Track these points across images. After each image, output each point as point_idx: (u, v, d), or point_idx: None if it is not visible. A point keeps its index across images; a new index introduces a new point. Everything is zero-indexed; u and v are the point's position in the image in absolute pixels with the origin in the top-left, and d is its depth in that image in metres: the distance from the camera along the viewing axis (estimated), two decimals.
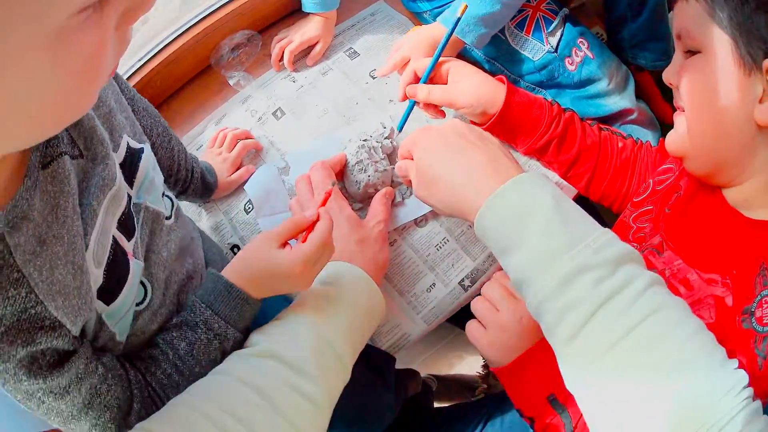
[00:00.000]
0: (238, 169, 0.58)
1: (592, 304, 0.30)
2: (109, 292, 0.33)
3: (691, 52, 0.38)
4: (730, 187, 0.40)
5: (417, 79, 0.52)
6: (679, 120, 0.40)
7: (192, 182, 0.54)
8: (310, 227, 0.39)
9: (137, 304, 0.36)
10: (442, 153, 0.40)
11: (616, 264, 0.31)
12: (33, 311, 0.28)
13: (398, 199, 0.55)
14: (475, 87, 0.49)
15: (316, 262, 0.38)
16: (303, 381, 0.34)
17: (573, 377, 0.32)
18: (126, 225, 0.35)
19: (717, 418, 0.27)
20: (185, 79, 0.69)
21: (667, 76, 0.41)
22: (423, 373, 0.70)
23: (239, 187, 0.59)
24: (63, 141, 0.31)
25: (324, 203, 0.40)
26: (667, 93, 0.76)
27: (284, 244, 0.38)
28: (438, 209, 0.42)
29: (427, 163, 0.40)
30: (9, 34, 0.17)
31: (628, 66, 0.66)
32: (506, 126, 0.51)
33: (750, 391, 0.28)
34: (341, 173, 0.54)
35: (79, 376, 0.32)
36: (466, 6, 0.47)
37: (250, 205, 0.58)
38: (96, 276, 0.32)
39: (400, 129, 0.54)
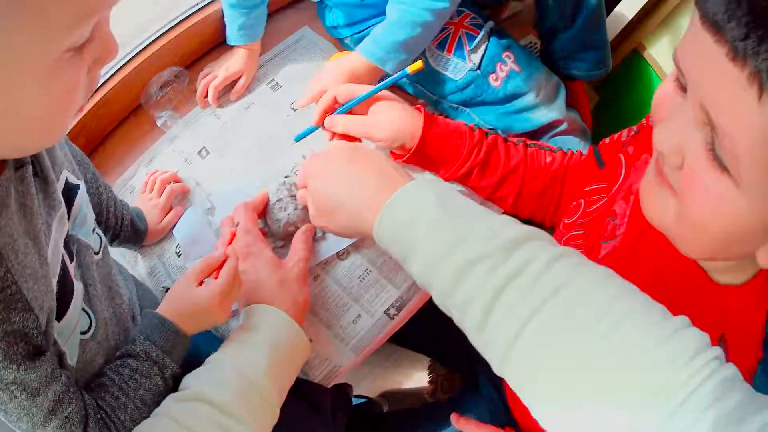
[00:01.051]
0: (167, 213, 0.59)
1: (487, 294, 0.28)
2: (60, 305, 0.35)
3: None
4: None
5: (334, 105, 0.51)
6: (670, 202, 0.29)
7: (122, 229, 0.55)
8: (221, 265, 0.43)
9: (82, 333, 0.39)
10: (331, 182, 0.40)
11: (510, 249, 0.29)
12: (9, 291, 0.30)
13: (319, 234, 0.55)
14: (392, 121, 0.48)
15: (228, 294, 0.43)
16: (232, 422, 0.37)
17: (495, 368, 0.30)
18: (68, 248, 0.38)
19: (665, 405, 0.22)
20: (118, 120, 0.69)
21: (659, 139, 0.29)
22: (372, 395, 0.72)
23: (170, 231, 0.60)
24: (27, 157, 0.34)
25: (230, 243, 0.46)
26: (600, 108, 0.74)
27: (201, 283, 0.43)
28: (339, 234, 0.42)
29: (321, 194, 0.41)
30: (23, 51, 0.23)
31: (562, 75, 0.65)
32: (425, 158, 0.50)
33: (714, 352, 0.24)
34: (263, 212, 0.55)
35: (47, 378, 0.33)
36: (423, 64, 0.46)
37: (181, 249, 0.59)
38: (53, 283, 0.35)
39: (297, 141, 0.54)
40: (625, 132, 0.47)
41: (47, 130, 0.28)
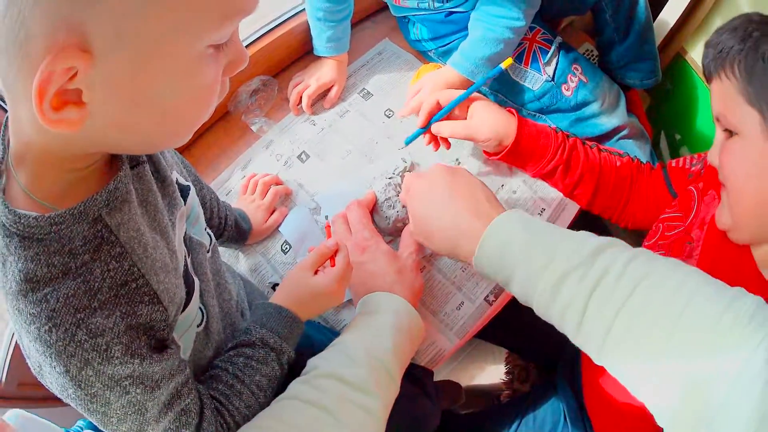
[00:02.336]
0: (271, 214, 0.63)
1: (582, 298, 0.33)
2: (185, 298, 0.36)
3: (729, 132, 0.39)
4: (762, 245, 0.40)
5: (438, 108, 0.56)
6: (723, 195, 0.41)
7: (226, 229, 0.58)
8: (333, 255, 0.47)
9: (197, 326, 0.39)
10: (430, 206, 0.46)
11: (593, 257, 0.34)
12: (134, 284, 0.30)
13: None
14: (491, 123, 0.54)
15: (345, 279, 0.46)
16: (364, 397, 0.39)
17: (595, 358, 0.35)
18: (186, 245, 0.39)
19: (738, 354, 0.26)
20: (205, 126, 0.72)
21: (711, 158, 0.42)
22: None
23: (274, 230, 0.63)
24: (142, 156, 0.35)
25: (329, 236, 0.51)
26: (652, 112, 0.82)
27: (316, 272, 0.47)
28: (437, 253, 0.48)
29: (419, 216, 0.47)
30: (175, 39, 0.24)
31: (618, 83, 0.72)
32: (518, 155, 0.56)
33: None
34: (372, 210, 0.59)
35: (172, 371, 0.33)
36: (511, 60, 0.51)
37: (287, 246, 0.63)
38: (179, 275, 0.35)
39: (407, 144, 0.59)
40: (688, 159, 0.56)
41: (181, 126, 0.28)
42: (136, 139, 0.28)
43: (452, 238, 0.43)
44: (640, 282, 0.32)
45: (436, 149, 0.60)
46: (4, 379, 0.68)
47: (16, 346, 0.66)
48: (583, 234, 0.37)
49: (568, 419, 0.60)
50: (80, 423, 0.77)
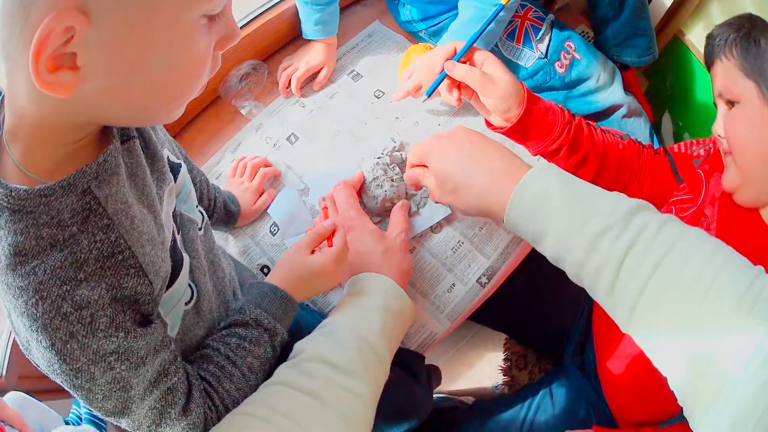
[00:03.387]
0: (260, 195, 0.62)
1: (616, 258, 0.33)
2: (170, 274, 0.35)
3: (731, 104, 0.45)
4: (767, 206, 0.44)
5: (454, 53, 0.53)
6: (728, 161, 0.46)
7: (215, 211, 0.57)
8: (330, 235, 0.47)
9: (185, 303, 0.39)
10: (458, 161, 0.43)
11: (627, 218, 0.34)
12: (120, 257, 0.30)
13: (414, 209, 0.59)
14: (507, 83, 0.51)
15: (341, 259, 0.46)
16: (352, 381, 0.38)
17: (623, 325, 0.35)
18: (175, 221, 0.39)
19: (757, 329, 0.27)
20: (196, 111, 0.72)
21: (715, 129, 0.47)
22: (445, 374, 0.75)
23: (263, 212, 0.63)
24: (133, 131, 0.35)
25: (325, 217, 0.51)
26: (650, 92, 0.80)
27: (313, 251, 0.46)
28: (464, 212, 0.45)
29: (446, 173, 0.44)
30: (170, 5, 0.24)
31: (615, 63, 0.71)
32: (523, 131, 0.54)
33: None
34: (359, 190, 0.58)
35: (157, 346, 0.32)
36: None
37: (275, 228, 0.62)
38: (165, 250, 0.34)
39: (429, 95, 0.56)
40: (689, 144, 0.56)
41: (173, 98, 0.28)
42: (127, 109, 0.28)
43: (483, 195, 0.41)
44: (674, 245, 0.32)
45: (459, 102, 0.56)
46: (4, 372, 0.68)
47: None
48: (617, 194, 0.37)
49: (586, 403, 0.59)
50: (75, 410, 0.77)
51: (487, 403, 0.67)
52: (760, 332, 0.27)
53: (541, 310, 0.68)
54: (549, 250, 0.38)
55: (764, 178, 0.43)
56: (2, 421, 0.61)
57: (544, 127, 0.53)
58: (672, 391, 0.32)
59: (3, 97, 0.29)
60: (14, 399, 0.67)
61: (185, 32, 0.26)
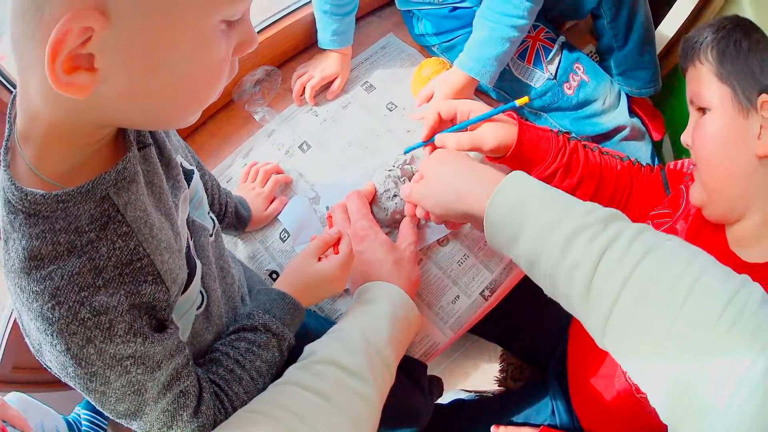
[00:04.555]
0: (271, 202, 0.63)
1: (591, 259, 0.33)
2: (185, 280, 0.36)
3: (702, 111, 0.42)
4: (735, 223, 0.42)
5: (440, 119, 0.55)
6: (696, 174, 0.44)
7: (226, 215, 0.58)
8: (337, 242, 0.48)
9: (197, 308, 0.39)
10: (446, 172, 0.47)
11: (605, 222, 0.35)
12: (139, 264, 0.30)
13: (422, 222, 0.60)
14: (495, 135, 0.53)
15: (347, 266, 0.47)
16: (361, 384, 0.39)
17: (597, 334, 0.34)
18: (188, 228, 0.39)
19: (743, 342, 0.26)
20: (208, 114, 0.73)
21: (684, 138, 0.45)
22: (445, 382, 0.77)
23: (273, 219, 0.64)
24: (148, 138, 0.34)
25: (330, 225, 0.54)
26: (655, 117, 0.82)
27: (319, 259, 0.47)
28: (454, 218, 0.48)
29: (435, 182, 0.48)
30: (191, 9, 0.24)
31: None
32: (520, 159, 0.55)
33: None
34: (371, 201, 0.60)
35: (172, 351, 0.32)
36: (528, 99, 0.51)
37: (285, 234, 0.63)
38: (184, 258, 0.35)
39: (406, 153, 0.59)
40: (687, 162, 0.56)
41: (190, 102, 0.28)
42: (144, 113, 0.28)
43: (465, 194, 0.44)
44: (649, 253, 0.32)
45: None
46: None
47: (12, 329, 0.67)
48: (593, 203, 0.38)
49: (556, 414, 0.60)
50: (78, 410, 0.77)
51: (467, 407, 0.69)
52: (743, 358, 0.26)
53: (538, 325, 0.70)
54: (523, 253, 0.38)
55: (729, 196, 0.40)
56: (4, 421, 0.61)
57: (539, 154, 0.55)
58: (637, 412, 0.31)
59: (14, 96, 0.29)
60: (16, 399, 0.67)
61: (205, 37, 0.25)
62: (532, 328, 0.71)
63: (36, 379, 0.74)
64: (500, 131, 0.53)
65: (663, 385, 0.29)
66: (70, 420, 0.75)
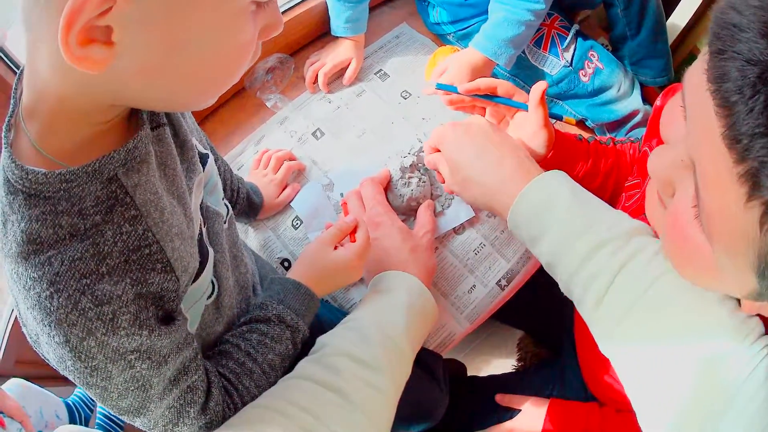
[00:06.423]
0: (284, 189, 0.62)
1: (610, 272, 0.33)
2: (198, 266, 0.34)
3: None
4: None
5: (489, 90, 0.51)
6: (662, 218, 0.30)
7: (238, 202, 0.57)
8: (353, 231, 0.47)
9: (207, 298, 0.37)
10: (470, 154, 0.43)
11: (628, 236, 0.34)
12: (147, 250, 0.28)
13: (438, 209, 0.59)
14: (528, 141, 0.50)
15: (364, 255, 0.46)
16: (377, 376, 0.37)
17: (604, 340, 0.35)
18: (202, 213, 0.38)
19: (738, 372, 0.27)
20: (220, 101, 0.72)
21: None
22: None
23: (285, 206, 0.62)
24: (162, 117, 0.32)
25: (345, 213, 0.52)
26: None
27: (336, 247, 0.46)
28: (470, 204, 0.47)
29: (457, 163, 0.44)
30: None
31: None
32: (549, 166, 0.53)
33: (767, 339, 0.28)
34: (385, 188, 0.59)
35: (180, 345, 0.30)
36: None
37: (298, 221, 0.62)
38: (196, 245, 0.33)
39: (438, 87, 0.54)
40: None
41: (210, 84, 0.27)
42: (160, 93, 0.26)
43: (491, 191, 0.42)
44: (667, 272, 0.31)
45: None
46: (1, 357, 0.67)
47: (15, 323, 0.66)
48: (620, 212, 0.37)
49: (566, 386, 0.60)
50: (78, 392, 0.76)
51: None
52: (745, 368, 0.27)
53: (557, 309, 0.69)
54: (544, 253, 0.38)
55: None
56: (1, 412, 0.60)
57: (568, 160, 0.53)
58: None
59: (21, 71, 0.27)
60: (15, 386, 0.66)
61: (234, 16, 0.24)
62: (544, 308, 0.69)
63: (40, 374, 0.73)
64: (532, 141, 0.50)
65: (690, 366, 0.29)
66: (70, 402, 0.73)
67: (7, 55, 0.52)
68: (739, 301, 0.30)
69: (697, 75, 0.22)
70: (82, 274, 0.26)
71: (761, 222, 0.20)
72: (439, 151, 0.49)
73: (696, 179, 0.22)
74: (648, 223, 0.36)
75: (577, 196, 0.38)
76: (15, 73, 0.52)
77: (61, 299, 0.25)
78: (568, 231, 0.36)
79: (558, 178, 0.40)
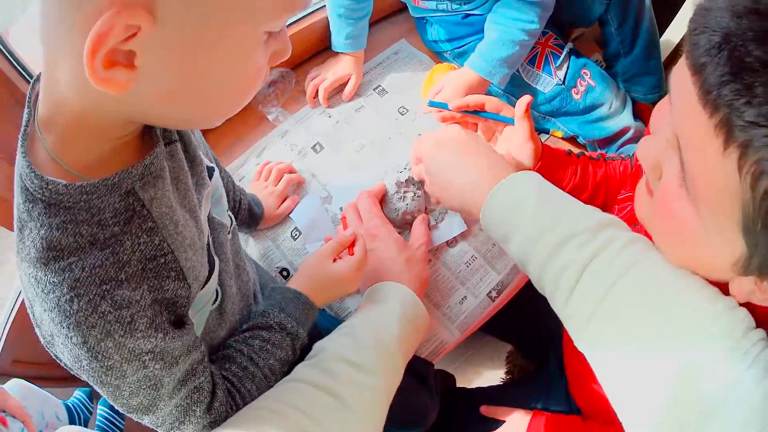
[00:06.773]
0: (283, 201, 0.64)
1: (578, 265, 0.33)
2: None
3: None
4: None
5: (477, 107, 0.54)
6: (649, 206, 0.33)
7: (239, 212, 0.59)
8: (351, 244, 0.50)
9: (211, 304, 0.39)
10: (445, 158, 0.46)
11: (596, 230, 0.34)
12: (163, 260, 0.29)
13: (432, 223, 0.61)
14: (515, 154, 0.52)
15: (362, 267, 0.49)
16: (370, 378, 0.39)
17: (576, 336, 0.34)
18: (209, 224, 0.39)
19: (723, 373, 0.25)
20: None
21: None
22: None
23: (285, 217, 0.65)
24: (174, 134, 0.34)
25: (345, 227, 0.55)
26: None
27: (335, 259, 0.49)
28: (451, 207, 0.48)
29: (435, 169, 0.47)
30: (240, 19, 0.24)
31: None
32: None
33: (760, 333, 0.26)
34: (381, 201, 0.61)
35: (190, 347, 0.32)
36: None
37: (297, 232, 0.64)
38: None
39: (431, 105, 0.57)
40: None
41: (224, 107, 0.28)
42: (176, 114, 0.28)
43: (467, 193, 0.43)
44: (634, 266, 0.31)
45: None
46: None
47: (13, 323, 0.67)
48: (592, 207, 0.37)
49: (552, 399, 0.61)
50: (78, 394, 0.78)
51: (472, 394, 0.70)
52: (732, 371, 0.26)
53: (536, 318, 0.71)
54: (515, 251, 0.39)
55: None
56: (3, 411, 0.61)
57: (556, 172, 0.55)
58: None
59: (34, 81, 0.28)
60: (16, 386, 0.67)
61: (249, 46, 0.25)
62: (532, 322, 0.71)
63: (37, 375, 0.75)
64: (519, 154, 0.53)
65: (666, 377, 0.28)
66: (70, 405, 0.75)
67: (10, 52, 0.52)
68: (728, 294, 0.28)
69: (680, 65, 0.25)
70: (102, 280, 0.27)
71: (739, 166, 0.21)
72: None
73: (680, 152, 0.24)
74: (641, 232, 0.37)
75: (546, 193, 0.38)
76: (16, 69, 0.53)
77: (81, 303, 0.27)
78: (537, 226, 0.36)
79: (529, 176, 0.40)
